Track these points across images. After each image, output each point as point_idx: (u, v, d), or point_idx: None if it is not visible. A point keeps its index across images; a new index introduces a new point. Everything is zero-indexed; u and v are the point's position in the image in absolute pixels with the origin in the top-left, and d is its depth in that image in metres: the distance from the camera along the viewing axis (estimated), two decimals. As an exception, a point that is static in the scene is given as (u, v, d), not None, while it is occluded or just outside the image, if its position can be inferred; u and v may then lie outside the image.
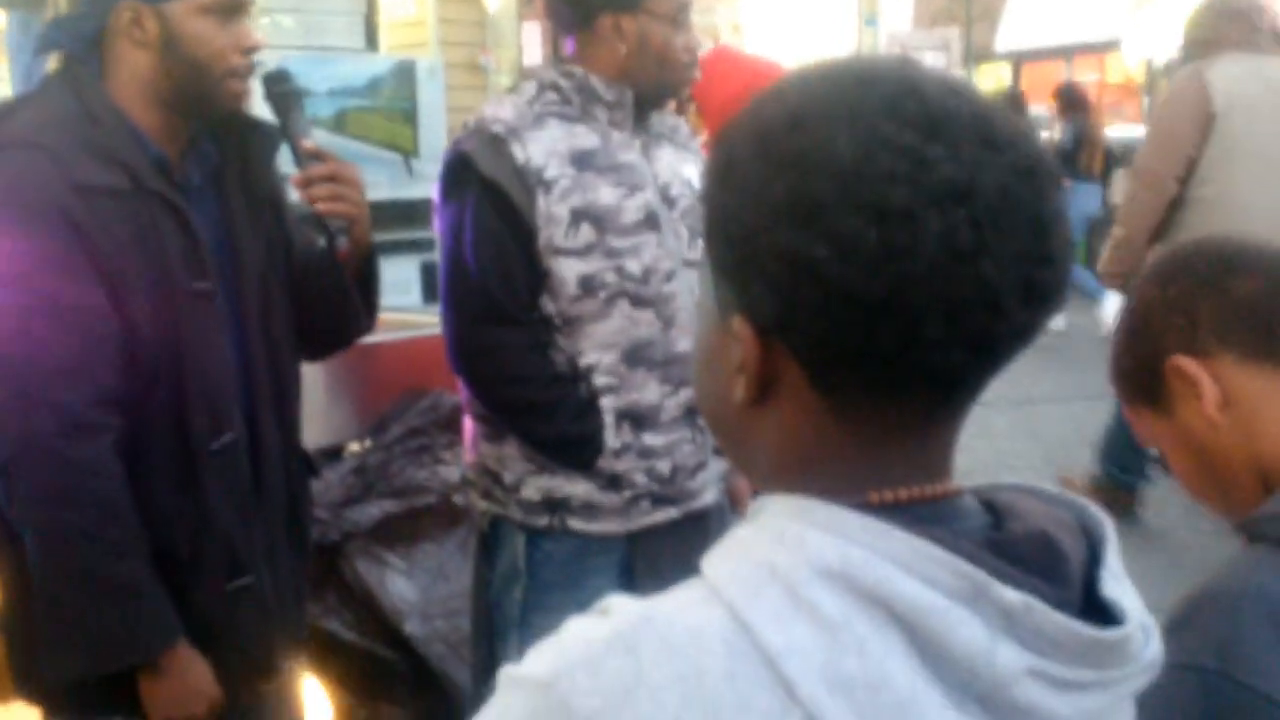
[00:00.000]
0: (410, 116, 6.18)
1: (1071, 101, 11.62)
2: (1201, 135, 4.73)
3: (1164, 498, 5.59)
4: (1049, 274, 0.82)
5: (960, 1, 21.39)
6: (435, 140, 6.13)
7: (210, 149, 2.21)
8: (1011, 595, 0.78)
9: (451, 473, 3.57)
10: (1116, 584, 0.86)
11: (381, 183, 5.62)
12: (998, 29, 22.72)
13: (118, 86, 2.09)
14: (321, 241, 2.27)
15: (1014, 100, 11.48)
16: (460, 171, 2.45)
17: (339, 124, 5.87)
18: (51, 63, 2.18)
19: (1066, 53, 21.93)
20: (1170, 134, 4.81)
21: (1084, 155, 11.28)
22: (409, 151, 6.22)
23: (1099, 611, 0.84)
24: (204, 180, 2.20)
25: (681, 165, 2.61)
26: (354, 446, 3.93)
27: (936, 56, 17.40)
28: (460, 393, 2.68)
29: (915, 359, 0.80)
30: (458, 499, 3.47)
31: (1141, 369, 1.46)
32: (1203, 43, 5.03)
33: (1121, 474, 5.73)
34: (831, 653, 0.76)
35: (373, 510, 3.62)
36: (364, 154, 5.79)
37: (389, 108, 6.11)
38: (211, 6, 2.05)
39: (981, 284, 0.79)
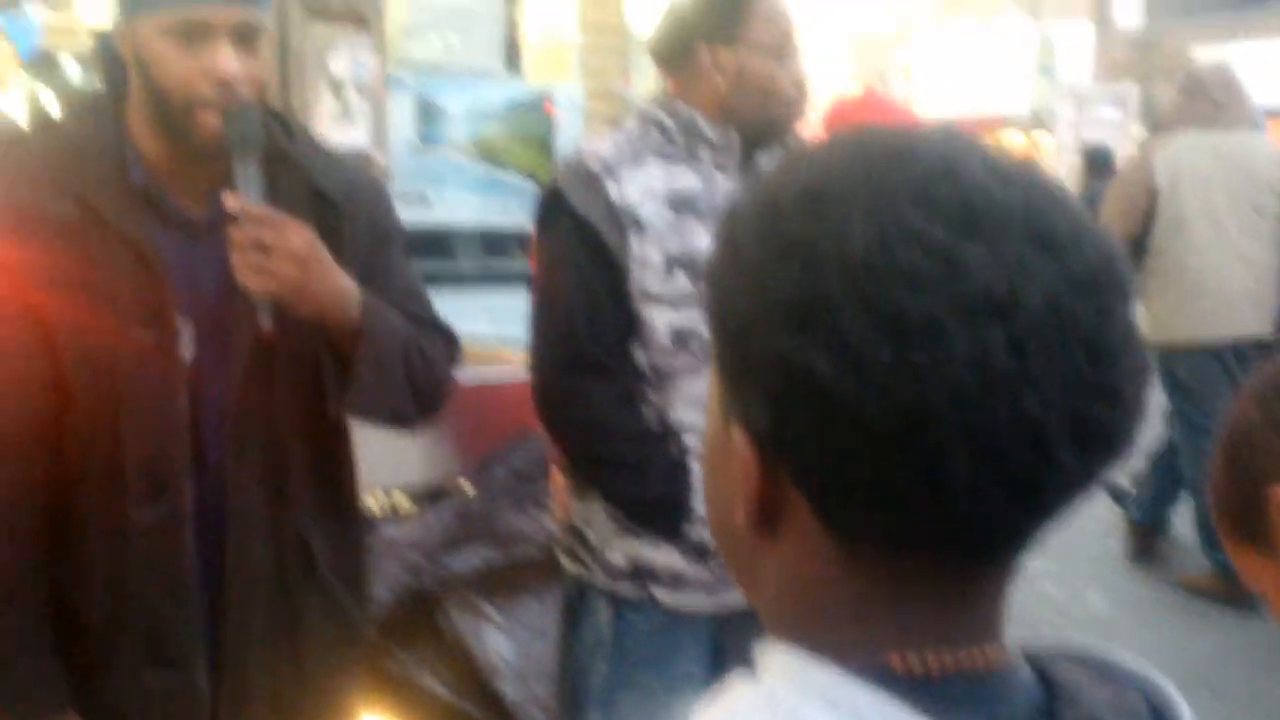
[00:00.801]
0: (547, 144, 6.04)
1: (1097, 164, 10.55)
2: (1143, 213, 5.13)
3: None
4: (1109, 411, 0.66)
5: (1143, 53, 20.65)
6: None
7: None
8: None
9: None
10: None
11: (516, 210, 5.50)
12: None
13: (129, 108, 1.94)
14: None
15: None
16: (552, 207, 2.34)
17: (476, 148, 5.74)
18: None
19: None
20: (1116, 213, 5.18)
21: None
22: (546, 179, 6.09)
23: None
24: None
25: None
26: (466, 487, 3.78)
27: (1112, 111, 16.78)
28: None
29: (939, 504, 0.65)
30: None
31: (1240, 500, 1.27)
32: (1166, 121, 5.45)
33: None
34: None
35: (472, 558, 3.50)
36: (500, 180, 5.67)
37: (526, 134, 5.97)
38: (171, 28, 1.83)
39: (1021, 420, 0.64)
